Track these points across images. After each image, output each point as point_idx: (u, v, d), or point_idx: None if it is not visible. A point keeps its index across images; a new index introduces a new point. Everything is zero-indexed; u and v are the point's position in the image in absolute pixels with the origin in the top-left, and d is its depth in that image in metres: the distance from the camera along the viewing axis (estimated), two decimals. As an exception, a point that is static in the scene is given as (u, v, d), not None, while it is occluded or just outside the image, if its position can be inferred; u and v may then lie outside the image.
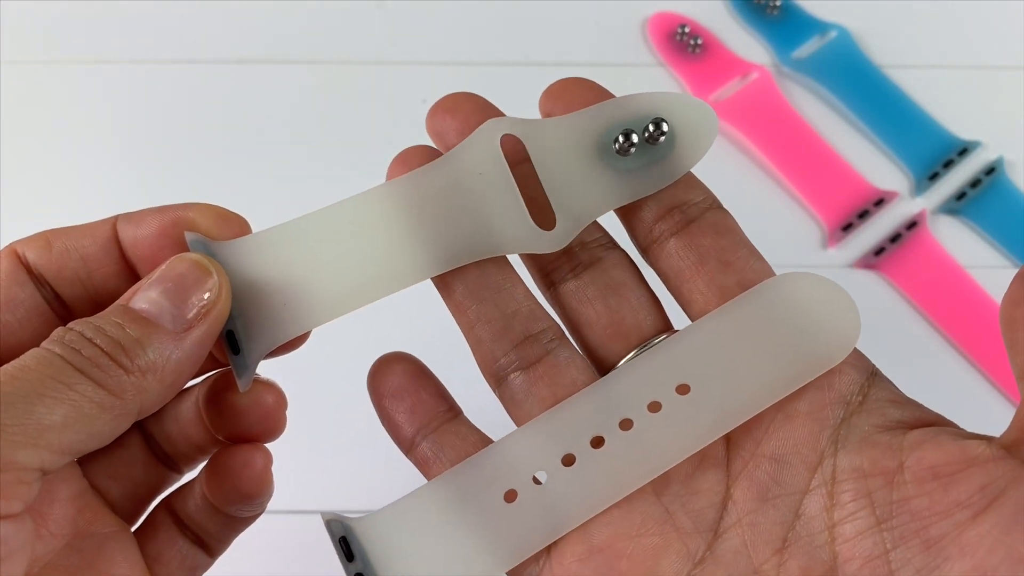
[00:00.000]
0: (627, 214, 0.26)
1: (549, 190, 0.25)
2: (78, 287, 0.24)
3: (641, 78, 0.52)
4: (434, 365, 0.27)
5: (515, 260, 0.26)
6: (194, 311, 0.22)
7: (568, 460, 0.24)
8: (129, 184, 0.50)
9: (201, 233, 0.24)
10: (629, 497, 0.24)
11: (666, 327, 0.26)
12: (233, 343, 0.24)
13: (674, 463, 0.24)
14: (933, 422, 0.24)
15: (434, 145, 0.26)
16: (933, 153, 0.50)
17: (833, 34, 0.53)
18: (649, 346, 0.25)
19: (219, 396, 0.25)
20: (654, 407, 0.24)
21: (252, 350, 0.24)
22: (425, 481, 0.25)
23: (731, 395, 0.24)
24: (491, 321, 0.25)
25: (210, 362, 0.25)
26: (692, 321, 0.25)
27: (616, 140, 0.25)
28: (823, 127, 0.51)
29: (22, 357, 0.21)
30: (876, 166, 0.50)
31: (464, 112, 0.26)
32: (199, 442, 0.26)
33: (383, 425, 0.26)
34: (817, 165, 0.50)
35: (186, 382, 0.23)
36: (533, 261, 0.26)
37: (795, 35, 0.53)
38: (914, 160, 0.50)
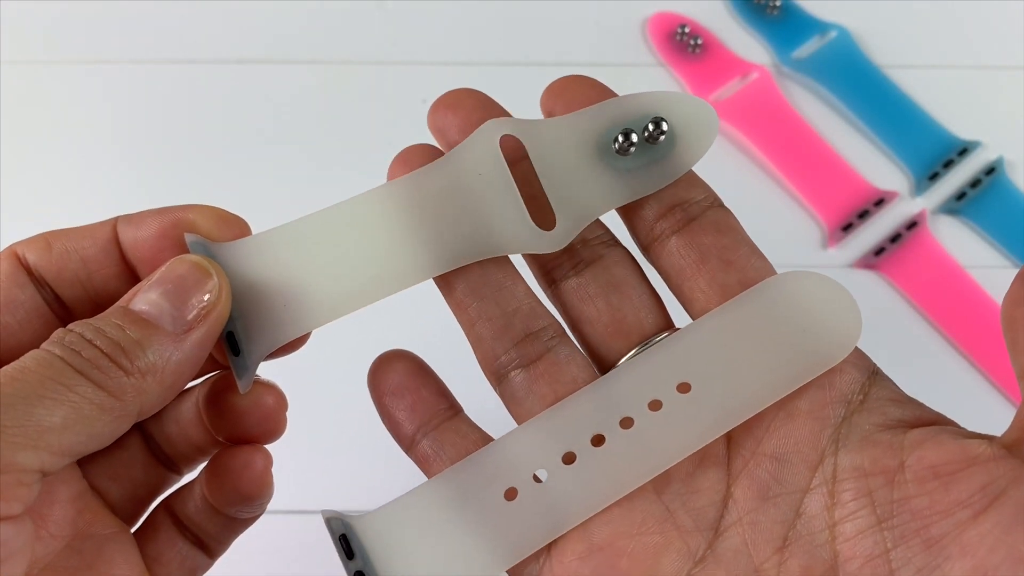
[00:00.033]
0: (628, 212, 0.26)
1: (549, 190, 0.25)
2: (78, 288, 0.24)
3: (641, 78, 0.52)
4: (435, 363, 0.27)
5: (516, 258, 0.26)
6: (194, 313, 0.22)
7: (569, 458, 0.24)
8: (129, 184, 0.50)
9: (201, 235, 0.24)
10: (630, 495, 0.24)
11: (667, 325, 0.26)
12: (233, 344, 0.24)
13: (675, 461, 0.24)
14: (934, 421, 0.24)
15: (436, 143, 0.26)
16: (933, 153, 0.50)
17: (833, 34, 0.53)
18: (650, 344, 0.25)
19: (219, 397, 0.25)
20: (655, 405, 0.24)
21: (252, 351, 0.24)
22: (425, 479, 0.25)
23: (732, 393, 0.24)
24: (492, 319, 0.25)
25: (210, 363, 0.25)
26: (693, 319, 0.25)
27: (616, 140, 0.25)
28: (823, 127, 0.51)
29: (22, 359, 0.21)
30: (876, 166, 0.50)
31: (466, 108, 0.26)
32: (199, 443, 0.26)
33: (383, 423, 0.26)
34: (817, 165, 0.50)
35: (186, 383, 0.23)
36: (534, 258, 0.26)
37: (795, 35, 0.53)
38: (914, 160, 0.50)
